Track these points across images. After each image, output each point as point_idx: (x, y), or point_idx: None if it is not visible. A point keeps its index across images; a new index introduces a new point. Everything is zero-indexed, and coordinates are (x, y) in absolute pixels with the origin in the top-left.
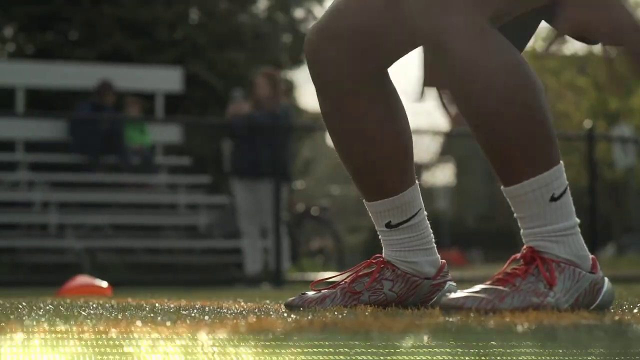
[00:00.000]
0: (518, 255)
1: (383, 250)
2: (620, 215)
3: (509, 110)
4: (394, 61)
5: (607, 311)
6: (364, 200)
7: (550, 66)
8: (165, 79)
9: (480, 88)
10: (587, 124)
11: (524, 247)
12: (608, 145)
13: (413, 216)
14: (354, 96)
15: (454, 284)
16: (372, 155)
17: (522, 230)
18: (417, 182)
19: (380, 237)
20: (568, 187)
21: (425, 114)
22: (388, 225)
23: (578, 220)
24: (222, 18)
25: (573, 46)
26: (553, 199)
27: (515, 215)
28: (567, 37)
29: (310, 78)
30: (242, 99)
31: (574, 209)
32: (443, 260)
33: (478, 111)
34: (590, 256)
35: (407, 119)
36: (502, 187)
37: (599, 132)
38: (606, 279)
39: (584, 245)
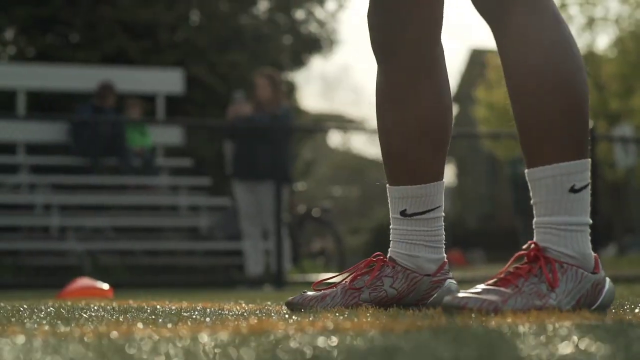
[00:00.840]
0: (523, 252)
1: (390, 244)
2: (621, 216)
3: (550, 87)
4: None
5: (608, 311)
6: (387, 185)
7: None
8: (166, 81)
9: (526, 65)
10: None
11: (530, 242)
12: (609, 146)
13: (429, 210)
14: (415, 74)
15: (455, 281)
16: (413, 135)
17: (535, 219)
18: (444, 180)
19: (391, 226)
20: (589, 186)
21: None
22: (402, 213)
23: (590, 221)
24: (223, 19)
25: None
26: (573, 190)
27: (532, 201)
28: None
29: (310, 78)
30: (243, 100)
31: (589, 208)
32: (445, 259)
33: (519, 87)
34: (594, 256)
35: (452, 110)
36: (526, 170)
37: (600, 133)
38: (608, 279)
39: (590, 245)
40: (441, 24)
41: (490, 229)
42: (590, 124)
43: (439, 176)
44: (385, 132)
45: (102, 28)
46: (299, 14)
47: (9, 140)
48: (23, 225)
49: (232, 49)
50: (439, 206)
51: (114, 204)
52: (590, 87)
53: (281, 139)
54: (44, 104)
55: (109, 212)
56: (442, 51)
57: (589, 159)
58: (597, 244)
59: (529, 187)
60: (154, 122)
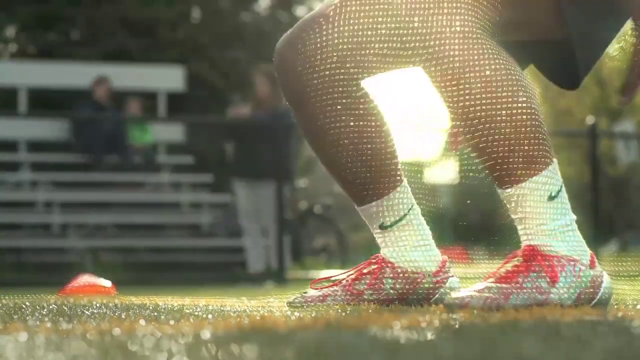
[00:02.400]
0: (518, 252)
1: (381, 251)
2: (623, 212)
3: (504, 114)
4: (369, 76)
5: (610, 307)
6: (355, 207)
7: None
8: (167, 78)
9: (476, 93)
10: (590, 120)
11: (523, 245)
12: (611, 142)
13: (405, 214)
14: (324, 106)
15: (457, 279)
16: (353, 166)
17: (520, 230)
18: (405, 180)
19: (376, 239)
20: (563, 185)
21: (428, 111)
22: (382, 227)
23: (575, 217)
24: (224, 17)
25: None
26: (550, 197)
27: (513, 216)
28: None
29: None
30: (240, 102)
31: (569, 205)
32: (444, 256)
33: (474, 116)
34: (589, 252)
35: (383, 119)
36: (499, 190)
37: (601, 129)
38: (605, 274)
39: (582, 240)
40: (367, 70)
41: (492, 226)
42: (592, 120)
43: (399, 180)
44: (329, 165)
45: (103, 26)
46: (300, 11)
47: (10, 137)
48: (25, 223)
49: (233, 46)
50: (412, 205)
51: (116, 201)
52: (592, 84)
53: (282, 137)
54: (45, 102)
55: (110, 209)
56: (364, 91)
57: (555, 160)
58: (598, 240)
59: (506, 205)
60: (155, 119)
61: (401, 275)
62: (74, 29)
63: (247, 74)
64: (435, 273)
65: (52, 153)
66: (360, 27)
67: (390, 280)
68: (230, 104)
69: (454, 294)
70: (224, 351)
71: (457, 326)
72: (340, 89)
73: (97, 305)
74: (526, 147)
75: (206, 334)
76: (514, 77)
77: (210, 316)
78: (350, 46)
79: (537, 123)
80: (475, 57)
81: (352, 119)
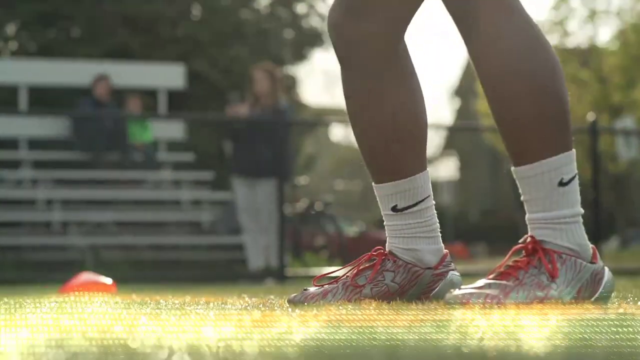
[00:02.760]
0: (520, 245)
1: (387, 240)
2: (624, 208)
3: (526, 91)
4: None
5: (611, 303)
6: (373, 184)
7: None
8: (167, 76)
9: (500, 67)
10: (590, 117)
11: (526, 236)
12: (611, 138)
13: (420, 202)
14: (379, 72)
15: (458, 273)
16: (389, 134)
17: (527, 215)
18: (427, 169)
19: (385, 223)
20: (577, 176)
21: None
22: (394, 209)
23: (582, 211)
24: (224, 14)
25: (576, 39)
26: (561, 183)
27: (522, 198)
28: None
29: (312, 72)
30: (239, 101)
31: (579, 198)
32: (446, 250)
33: (496, 92)
34: (591, 246)
35: (424, 103)
36: (512, 167)
37: (602, 125)
38: (606, 269)
39: (585, 235)
40: (406, 24)
41: (493, 222)
42: (593, 116)
43: (423, 166)
44: (361, 134)
45: (103, 23)
46: (300, 8)
47: (11, 135)
48: (25, 221)
49: (233, 43)
50: (428, 195)
51: (116, 198)
52: (593, 80)
53: (281, 135)
54: (45, 99)
55: (111, 206)
56: (406, 48)
57: (574, 150)
58: (599, 237)
59: (518, 185)
60: (156, 116)
61: (401, 268)
62: (75, 26)
63: (247, 70)
64: (436, 266)
65: (52, 151)
66: None
67: (390, 274)
68: (228, 102)
69: (454, 291)
70: (225, 348)
71: (457, 323)
72: (394, 53)
73: (98, 302)
74: (547, 127)
75: (207, 332)
76: (548, 55)
77: (211, 313)
78: (400, 5)
79: (561, 106)
80: (512, 30)
81: (399, 86)
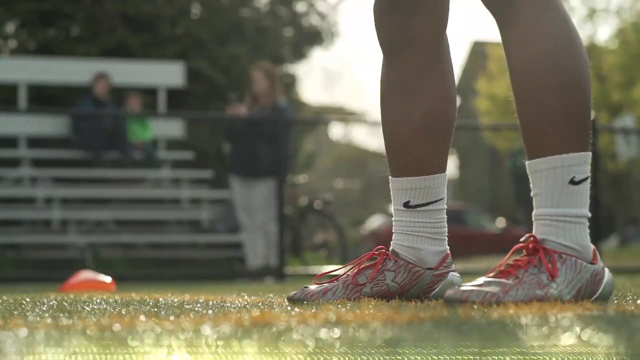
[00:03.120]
0: (521, 244)
1: (393, 237)
2: (623, 207)
3: (554, 84)
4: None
5: (610, 302)
6: (389, 177)
7: None
8: (167, 74)
9: (531, 62)
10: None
11: (527, 235)
12: (611, 137)
13: (433, 202)
14: (422, 70)
15: (458, 275)
16: (418, 130)
17: (534, 210)
18: (446, 172)
19: (393, 218)
20: (589, 179)
21: None
22: (406, 205)
23: (589, 214)
24: (224, 12)
25: None
26: (573, 182)
27: (532, 192)
28: None
29: (311, 71)
30: (237, 101)
31: (588, 201)
32: (448, 251)
33: (524, 82)
34: (592, 247)
35: (456, 103)
36: (527, 161)
37: (601, 124)
38: (606, 270)
39: (588, 237)
40: (447, 17)
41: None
42: (592, 115)
43: (442, 168)
44: (391, 124)
45: (103, 21)
46: (300, 7)
47: (10, 133)
48: (25, 219)
49: (233, 42)
50: (442, 198)
51: (116, 197)
52: (592, 79)
53: (280, 135)
54: (45, 98)
55: (110, 205)
56: (448, 44)
57: (590, 153)
58: (598, 236)
59: (530, 179)
60: (155, 115)
61: (402, 268)
62: (74, 25)
63: (247, 69)
64: (437, 267)
65: (52, 149)
66: None
67: (391, 274)
68: (228, 103)
69: (453, 289)
70: (224, 347)
71: (457, 322)
72: (435, 42)
73: (97, 301)
74: (568, 123)
75: (206, 330)
76: (580, 51)
77: (210, 312)
78: None
79: (585, 104)
80: (548, 23)
81: (436, 78)
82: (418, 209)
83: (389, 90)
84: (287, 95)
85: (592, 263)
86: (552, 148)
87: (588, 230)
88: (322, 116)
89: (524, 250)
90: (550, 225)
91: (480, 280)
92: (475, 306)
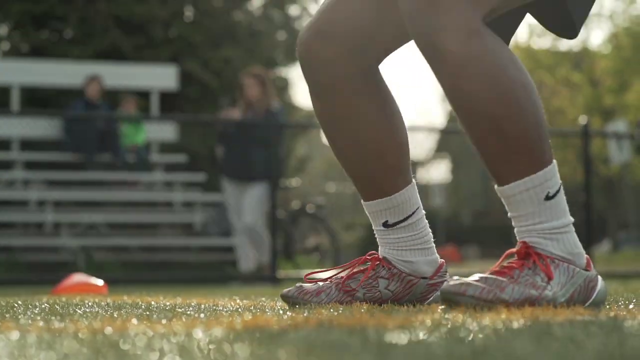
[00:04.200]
0: (513, 250)
1: (379, 249)
2: (615, 212)
3: (501, 110)
4: (386, 56)
5: (602, 307)
6: (361, 200)
7: (545, 62)
8: (160, 77)
9: (474, 89)
10: (582, 120)
11: (520, 242)
12: (603, 142)
13: (410, 215)
14: (348, 96)
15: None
16: (367, 155)
17: (515, 228)
18: (414, 181)
19: (376, 236)
20: (562, 186)
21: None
22: (385, 225)
23: (572, 219)
24: (217, 16)
25: (568, 42)
26: (548, 197)
27: (509, 214)
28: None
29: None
30: (230, 105)
31: (567, 207)
32: (442, 260)
33: (471, 112)
34: (585, 254)
35: (402, 118)
36: (496, 186)
37: (594, 128)
38: (600, 278)
39: (579, 243)
40: (377, 51)
41: (485, 225)
42: (584, 119)
43: (408, 180)
44: (342, 156)
45: (96, 24)
46: (293, 10)
47: (3, 136)
48: (17, 221)
49: (226, 45)
50: (417, 207)
51: (108, 200)
52: (585, 83)
53: (274, 137)
54: (38, 100)
55: (103, 208)
56: (381, 75)
57: (554, 161)
58: (591, 240)
59: (503, 202)
60: (148, 118)
61: (396, 276)
62: (67, 27)
63: (239, 72)
64: (432, 277)
65: (44, 152)
66: (376, 14)
67: (385, 281)
68: (220, 108)
69: (450, 282)
70: (215, 350)
71: (449, 326)
72: (363, 77)
73: (90, 304)
74: (525, 146)
75: (198, 334)
76: (516, 74)
77: (202, 315)
78: (369, 30)
79: (537, 121)
80: (478, 54)
81: (372, 109)
82: (398, 226)
83: (326, 125)
84: (280, 98)
85: (585, 270)
86: (517, 173)
87: (575, 236)
88: (314, 120)
89: (516, 255)
90: (537, 237)
91: (476, 276)
92: (470, 304)
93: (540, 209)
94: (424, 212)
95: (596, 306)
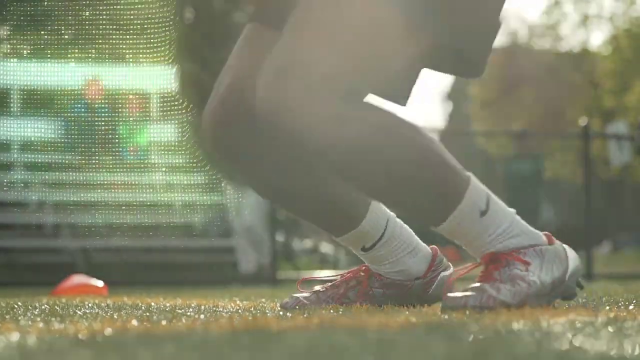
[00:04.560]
0: (477, 263)
1: (370, 265)
2: (615, 213)
3: (397, 177)
4: None
5: (602, 308)
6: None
7: (547, 63)
8: (159, 78)
9: (362, 170)
10: (583, 121)
11: (483, 256)
12: (603, 143)
13: (383, 233)
14: (275, 162)
15: (447, 273)
16: (308, 212)
17: (471, 252)
18: (371, 202)
19: (361, 258)
20: (489, 193)
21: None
22: (363, 249)
23: (513, 210)
24: (217, 17)
25: (568, 43)
26: (482, 213)
27: (457, 243)
28: None
29: None
30: None
31: (503, 204)
32: (433, 247)
33: (370, 188)
34: (540, 233)
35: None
36: (432, 228)
37: (594, 130)
38: (566, 246)
39: (527, 225)
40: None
41: None
42: (585, 121)
43: (366, 204)
44: (291, 208)
45: (95, 26)
46: None
47: (2, 137)
48: (17, 223)
49: (225, 46)
50: (388, 219)
51: (108, 201)
52: (585, 84)
53: None
54: (37, 102)
55: (103, 209)
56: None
57: (471, 177)
58: (591, 242)
59: (446, 236)
60: (148, 119)
61: (390, 284)
62: (67, 29)
63: None
64: (424, 275)
65: (44, 153)
66: None
67: (380, 291)
68: None
69: (450, 297)
70: (216, 352)
71: (449, 326)
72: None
73: (90, 305)
74: (436, 191)
75: (198, 335)
76: (400, 133)
77: (202, 317)
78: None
79: (436, 156)
80: (350, 137)
81: (302, 169)
82: (376, 246)
83: (270, 191)
84: None
85: (550, 244)
86: (446, 211)
87: (522, 221)
88: None
89: (484, 265)
90: (496, 245)
91: (469, 287)
92: (468, 312)
93: (482, 225)
94: (393, 214)
95: (576, 275)
